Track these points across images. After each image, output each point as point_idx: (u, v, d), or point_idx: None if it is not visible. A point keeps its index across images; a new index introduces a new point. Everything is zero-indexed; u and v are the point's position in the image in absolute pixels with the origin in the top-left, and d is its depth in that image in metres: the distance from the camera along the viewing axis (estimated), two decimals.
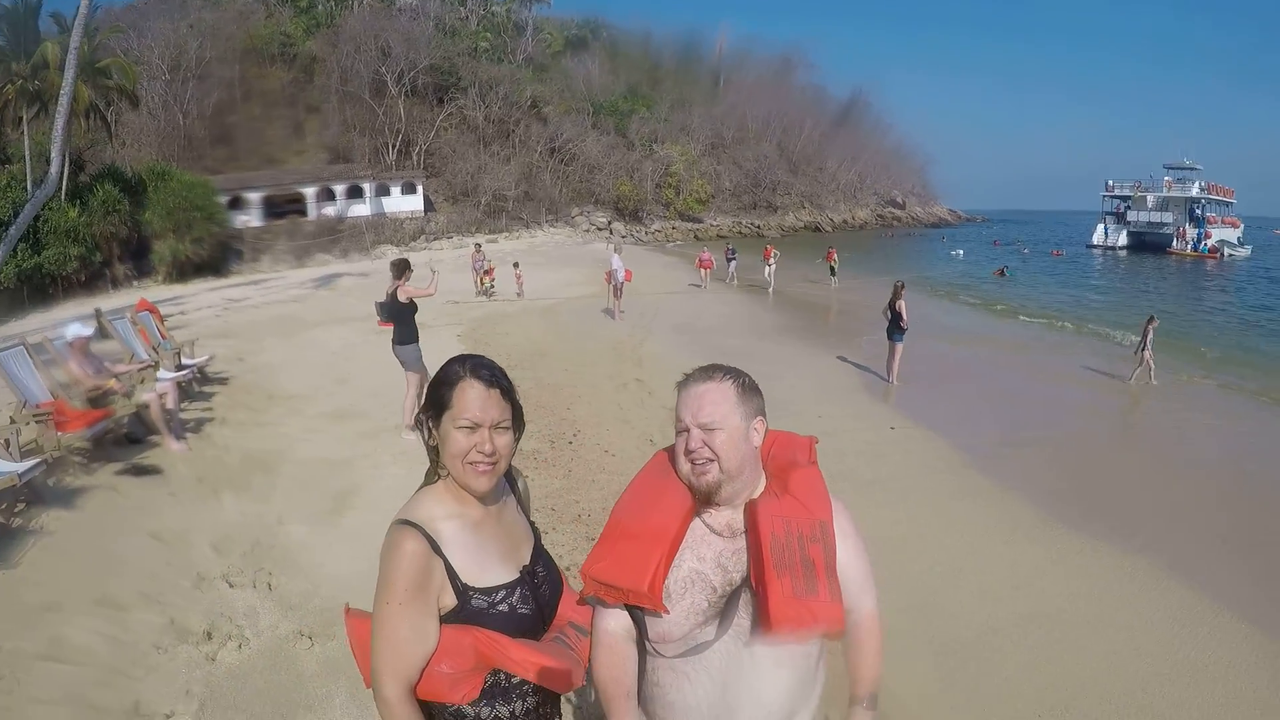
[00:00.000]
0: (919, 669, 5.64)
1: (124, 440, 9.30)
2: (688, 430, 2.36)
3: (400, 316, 10.76)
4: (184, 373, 11.50)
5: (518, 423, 2.34)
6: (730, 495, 2.38)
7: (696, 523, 2.40)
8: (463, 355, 2.32)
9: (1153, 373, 17.06)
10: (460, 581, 2.20)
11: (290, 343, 17.60)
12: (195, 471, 8.72)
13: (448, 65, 67.59)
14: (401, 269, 10.94)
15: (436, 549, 2.18)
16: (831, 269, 35.56)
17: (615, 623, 2.39)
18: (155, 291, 29.16)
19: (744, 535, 2.38)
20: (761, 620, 2.25)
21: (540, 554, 2.49)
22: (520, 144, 69.85)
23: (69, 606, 5.63)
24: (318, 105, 61.94)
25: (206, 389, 12.43)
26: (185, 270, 36.85)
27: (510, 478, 2.55)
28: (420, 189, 59.03)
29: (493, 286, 28.32)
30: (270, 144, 58.91)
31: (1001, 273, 45.96)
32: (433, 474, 2.34)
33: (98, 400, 8.96)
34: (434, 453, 2.32)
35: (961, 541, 8.31)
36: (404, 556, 2.13)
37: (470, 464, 2.22)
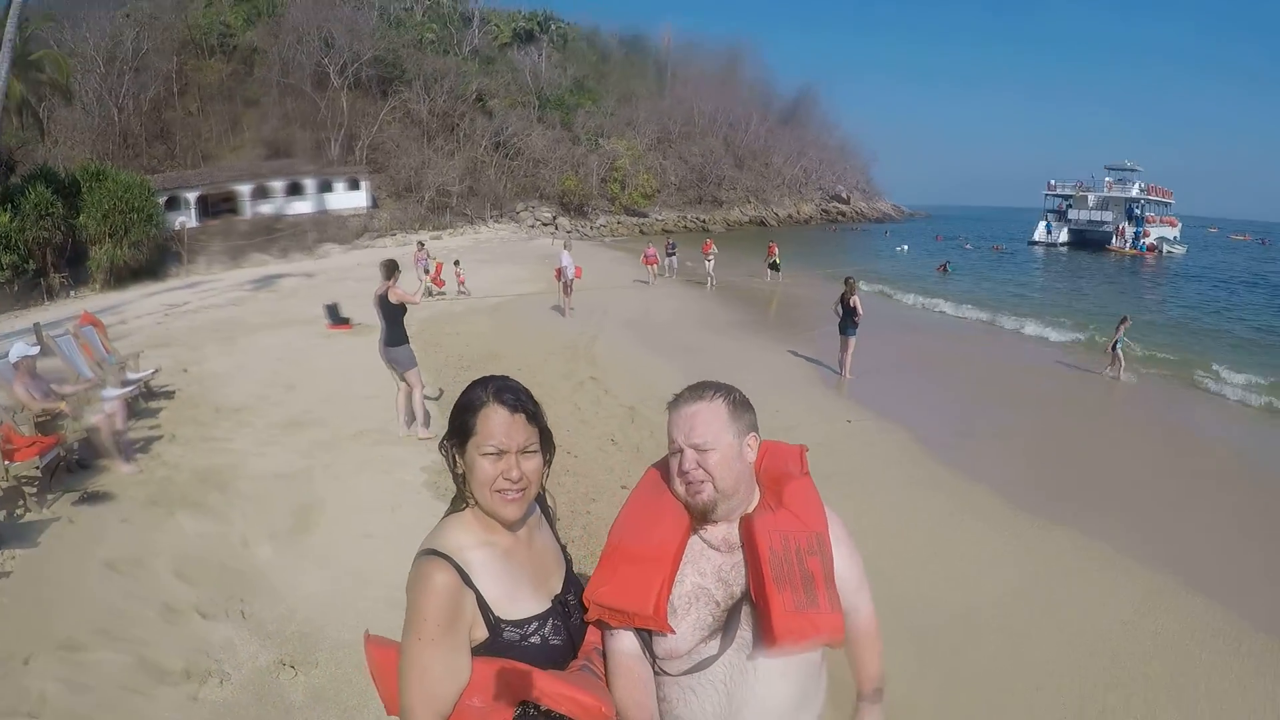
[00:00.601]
0: (898, 656, 5.62)
1: (75, 466, 8.94)
2: (681, 451, 2.37)
3: (393, 318, 10.66)
4: (129, 389, 11.10)
5: (546, 446, 2.28)
6: (726, 512, 2.39)
7: (694, 539, 2.42)
8: (485, 378, 2.26)
9: (1122, 369, 17.55)
10: (492, 614, 2.14)
11: (233, 349, 17.19)
12: (146, 494, 8.44)
13: (392, 57, 66.64)
14: (391, 270, 10.82)
15: (467, 580, 2.12)
16: (774, 264, 35.61)
17: (628, 643, 2.36)
18: (93, 300, 28.22)
19: (741, 549, 2.39)
20: (764, 634, 2.26)
21: (572, 581, 2.44)
22: (465, 138, 69.19)
23: (31, 654, 5.40)
24: (256, 99, 60.67)
25: (152, 404, 12.07)
26: (123, 276, 35.30)
27: (542, 501, 2.50)
28: (364, 185, 58.08)
29: (442, 292, 27.78)
30: (206, 140, 57.76)
31: (944, 269, 46.47)
32: (460, 501, 2.27)
33: (46, 425, 8.64)
34: (460, 480, 2.26)
35: (927, 530, 8.51)
36: (434, 590, 2.06)
37: (498, 492, 2.17)
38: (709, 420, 2.35)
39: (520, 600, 2.20)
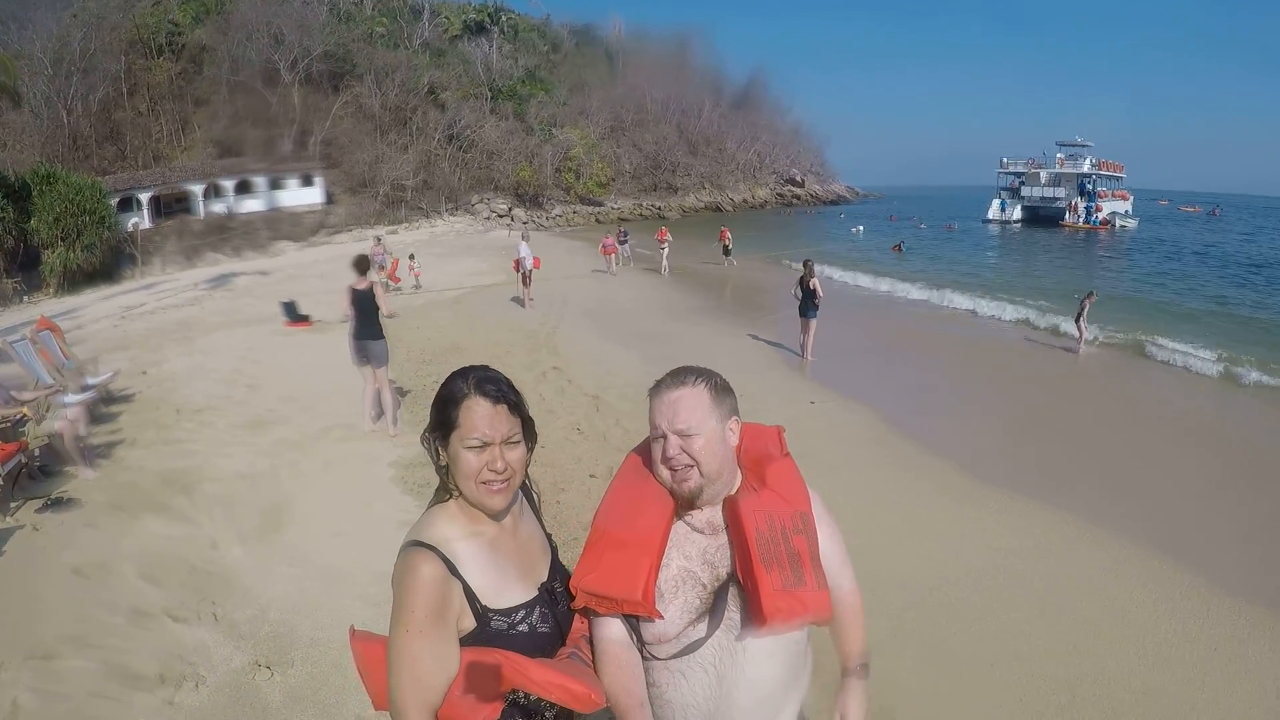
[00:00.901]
0: (872, 634, 5.65)
1: (37, 473, 8.79)
2: (664, 437, 2.35)
3: (370, 312, 10.58)
4: (89, 394, 10.94)
5: (529, 435, 2.27)
6: (712, 496, 2.39)
7: (678, 523, 2.41)
8: (465, 369, 2.24)
9: (1083, 342, 18.04)
10: (479, 604, 2.13)
11: (192, 350, 17.03)
12: (111, 498, 8.32)
13: (342, 52, 66.28)
14: (365, 265, 10.86)
15: (454, 571, 2.10)
16: (725, 248, 35.84)
17: (615, 630, 2.36)
18: (48, 305, 27.84)
19: (725, 531, 2.39)
20: (754, 614, 2.26)
21: (558, 568, 2.44)
22: (418, 132, 68.84)
23: (1, 663, 5.32)
24: (206, 98, 59.87)
25: (112, 409, 11.87)
26: (77, 280, 34.46)
27: (526, 489, 2.48)
28: (318, 181, 57.64)
29: (398, 287, 27.33)
30: (157, 140, 56.99)
31: (898, 248, 46.85)
32: (443, 492, 2.25)
33: (6, 432, 8.52)
34: (444, 472, 2.23)
35: (895, 508, 8.56)
36: (422, 581, 2.05)
37: (484, 483, 2.15)
38: (692, 406, 2.34)
39: (507, 589, 2.20)
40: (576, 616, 2.38)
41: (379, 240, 30.74)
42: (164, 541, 7.34)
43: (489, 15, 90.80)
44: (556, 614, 2.31)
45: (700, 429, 2.32)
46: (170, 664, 5.35)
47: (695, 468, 2.32)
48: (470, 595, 2.12)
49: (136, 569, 6.73)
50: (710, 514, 2.41)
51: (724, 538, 2.39)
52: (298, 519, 7.88)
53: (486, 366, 2.27)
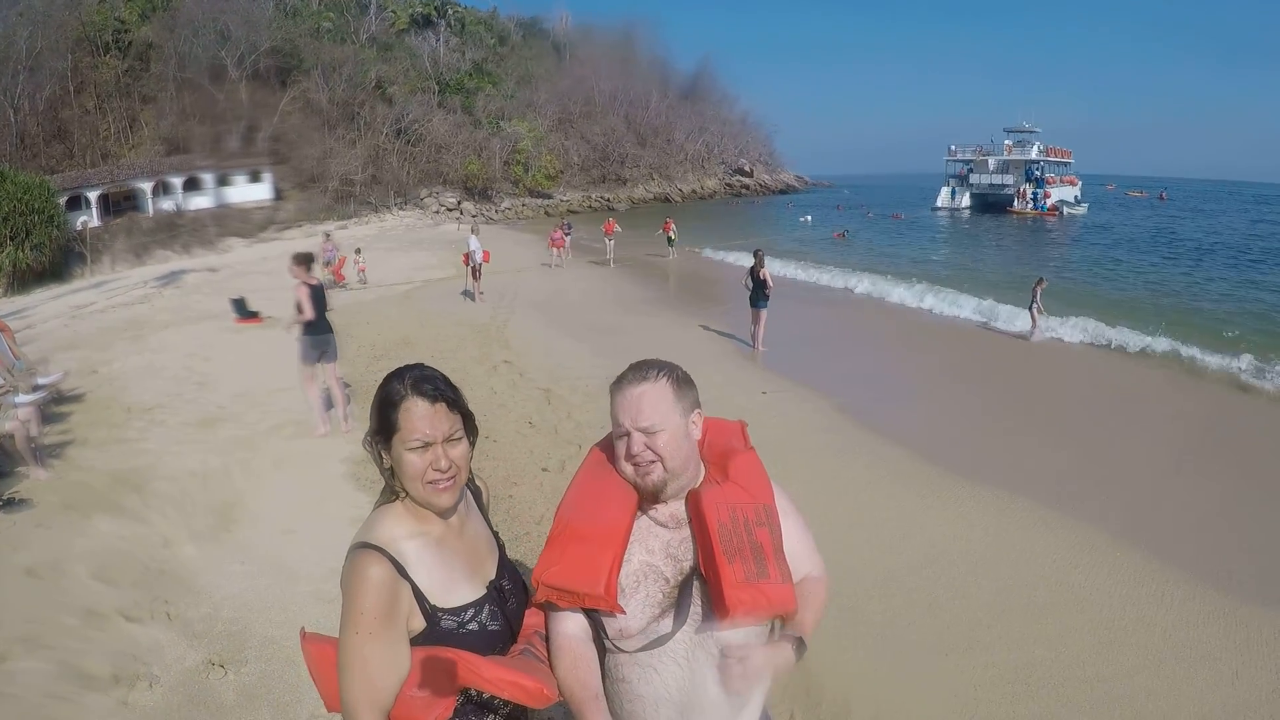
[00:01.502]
0: (827, 621, 5.70)
1: None
2: (628, 435, 2.34)
3: (325, 307, 10.56)
4: (40, 394, 10.83)
5: (470, 430, 2.27)
6: (676, 491, 2.40)
7: (641, 517, 2.42)
8: (401, 370, 2.22)
9: (1035, 329, 18.19)
10: (428, 604, 2.14)
11: (142, 348, 16.78)
12: (62, 499, 8.22)
13: (289, 47, 65.61)
14: (313, 260, 10.85)
15: (402, 572, 2.11)
16: (669, 239, 35.94)
17: (572, 625, 2.36)
18: None
19: (688, 525, 2.40)
20: (716, 607, 2.25)
21: (505, 566, 2.45)
22: (366, 126, 68.40)
23: None
24: (154, 95, 59.08)
25: (63, 409, 11.72)
26: (26, 279, 33.57)
27: (473, 486, 2.52)
28: (267, 177, 57.11)
29: (343, 285, 26.73)
30: (105, 138, 56.19)
31: (842, 235, 47.26)
32: (389, 492, 2.26)
33: None
34: (389, 475, 2.24)
35: (848, 497, 8.59)
36: (370, 583, 2.05)
37: (430, 483, 2.16)
38: (655, 402, 2.33)
39: (455, 588, 2.21)
40: (528, 613, 2.39)
41: (328, 236, 30.54)
42: (116, 541, 7.30)
43: (435, 9, 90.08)
44: (506, 611, 2.32)
45: (664, 424, 2.32)
46: (124, 664, 5.33)
47: (659, 463, 2.32)
48: (419, 595, 2.13)
49: (89, 569, 6.68)
50: (674, 507, 2.42)
51: (687, 531, 2.39)
52: (250, 517, 7.87)
53: (422, 365, 2.27)
